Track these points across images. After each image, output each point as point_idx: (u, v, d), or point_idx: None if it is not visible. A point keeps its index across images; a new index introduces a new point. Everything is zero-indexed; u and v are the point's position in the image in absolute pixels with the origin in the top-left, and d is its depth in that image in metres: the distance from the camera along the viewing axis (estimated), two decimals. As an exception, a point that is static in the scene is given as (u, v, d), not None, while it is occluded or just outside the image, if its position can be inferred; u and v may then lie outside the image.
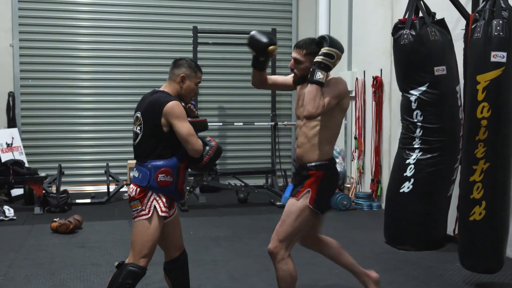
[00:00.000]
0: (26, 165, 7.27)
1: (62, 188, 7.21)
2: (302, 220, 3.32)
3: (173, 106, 3.17)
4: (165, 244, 3.46)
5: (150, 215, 3.20)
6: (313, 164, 3.35)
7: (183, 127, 3.17)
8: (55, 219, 5.86)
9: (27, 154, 7.91)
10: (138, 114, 3.30)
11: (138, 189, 3.22)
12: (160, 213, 3.21)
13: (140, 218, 3.22)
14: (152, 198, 3.21)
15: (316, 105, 3.16)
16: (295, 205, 3.34)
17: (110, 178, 7.64)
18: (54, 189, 7.18)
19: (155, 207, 3.21)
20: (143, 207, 3.21)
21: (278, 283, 3.38)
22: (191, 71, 3.32)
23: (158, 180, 3.18)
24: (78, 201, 7.31)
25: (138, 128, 3.28)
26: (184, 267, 3.56)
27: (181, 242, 3.52)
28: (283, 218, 3.37)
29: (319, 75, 3.16)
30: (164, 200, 3.23)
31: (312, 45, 3.33)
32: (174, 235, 3.45)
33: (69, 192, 7.23)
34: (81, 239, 5.58)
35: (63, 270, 4.60)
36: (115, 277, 3.23)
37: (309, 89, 3.19)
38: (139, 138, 3.27)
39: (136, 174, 3.26)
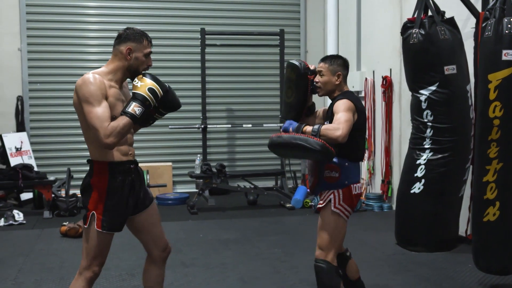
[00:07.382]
0: (35, 169, 7.28)
1: (71, 191, 7.19)
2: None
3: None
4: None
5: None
6: None
7: None
8: (64, 223, 5.87)
9: (36, 158, 7.91)
10: None
11: None
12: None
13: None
14: None
15: None
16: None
17: (119, 181, 7.61)
18: (63, 193, 7.18)
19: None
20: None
21: None
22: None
23: None
24: (87, 204, 7.29)
25: None
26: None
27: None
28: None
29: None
30: None
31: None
32: None
33: (78, 195, 7.24)
34: (91, 243, 5.55)
35: (72, 275, 4.52)
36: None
37: None
38: None
39: None
